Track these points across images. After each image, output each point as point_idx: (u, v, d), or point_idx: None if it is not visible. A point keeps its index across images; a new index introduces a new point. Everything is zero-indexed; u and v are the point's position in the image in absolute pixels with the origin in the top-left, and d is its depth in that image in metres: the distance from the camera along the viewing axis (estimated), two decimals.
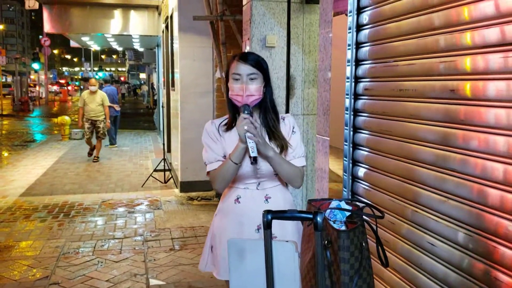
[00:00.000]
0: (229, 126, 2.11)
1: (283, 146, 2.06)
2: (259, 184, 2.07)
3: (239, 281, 1.61)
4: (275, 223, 1.85)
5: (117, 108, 11.51)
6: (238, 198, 2.08)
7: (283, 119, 2.14)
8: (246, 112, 1.96)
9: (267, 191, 2.07)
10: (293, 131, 2.12)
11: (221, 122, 2.14)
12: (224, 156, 2.08)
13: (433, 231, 1.91)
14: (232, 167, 1.99)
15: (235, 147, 1.99)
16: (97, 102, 9.69)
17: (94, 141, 9.96)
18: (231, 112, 2.11)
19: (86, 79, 12.90)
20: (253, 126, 1.91)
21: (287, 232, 2.06)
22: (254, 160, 1.92)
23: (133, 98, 37.62)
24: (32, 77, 27.81)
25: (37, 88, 27.80)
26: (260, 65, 2.02)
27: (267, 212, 1.54)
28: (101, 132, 9.82)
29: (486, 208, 1.63)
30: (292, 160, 2.08)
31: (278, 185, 2.11)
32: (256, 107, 2.07)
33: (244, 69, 1.99)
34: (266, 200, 2.06)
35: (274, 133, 2.07)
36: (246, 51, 2.63)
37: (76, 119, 12.97)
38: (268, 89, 2.07)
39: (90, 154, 10.10)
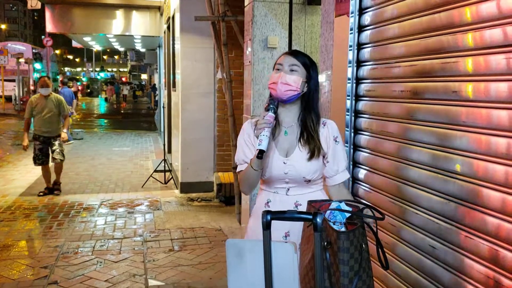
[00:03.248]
0: None
1: (314, 151, 1.92)
2: (288, 189, 1.96)
3: (238, 282, 1.60)
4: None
5: (72, 110, 11.76)
6: (268, 202, 2.00)
7: (324, 124, 1.99)
8: (270, 109, 1.84)
9: (297, 198, 1.95)
10: (335, 140, 1.98)
11: (258, 120, 1.99)
12: None
13: (434, 233, 1.90)
14: (252, 173, 1.90)
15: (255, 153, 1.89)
16: (51, 110, 6.57)
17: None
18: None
19: (72, 79, 12.95)
20: (270, 127, 1.83)
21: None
22: (259, 154, 1.80)
23: (133, 100, 37.57)
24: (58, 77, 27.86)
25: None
26: (304, 60, 1.93)
27: (266, 212, 1.53)
28: (58, 151, 6.67)
29: (488, 210, 1.62)
30: (335, 176, 1.98)
31: (310, 192, 1.97)
32: (295, 105, 1.96)
33: (287, 59, 1.92)
34: (296, 206, 1.94)
35: (309, 136, 1.94)
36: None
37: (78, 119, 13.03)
38: (311, 87, 1.94)
39: (44, 193, 6.72)
